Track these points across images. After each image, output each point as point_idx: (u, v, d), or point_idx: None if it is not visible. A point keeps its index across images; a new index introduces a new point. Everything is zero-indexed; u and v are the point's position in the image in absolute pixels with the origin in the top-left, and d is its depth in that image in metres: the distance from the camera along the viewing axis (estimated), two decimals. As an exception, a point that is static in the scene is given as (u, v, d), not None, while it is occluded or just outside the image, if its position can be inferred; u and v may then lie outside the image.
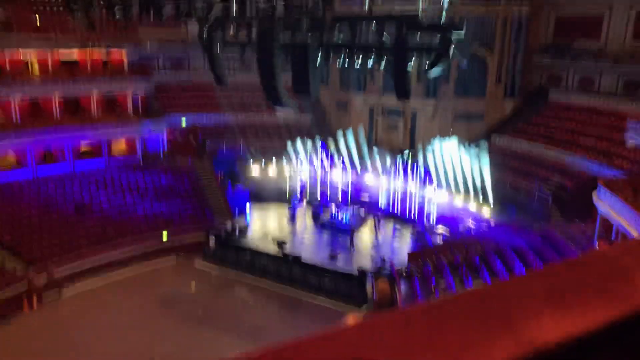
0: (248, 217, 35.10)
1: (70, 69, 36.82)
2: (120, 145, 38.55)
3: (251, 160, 39.59)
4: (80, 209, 31.96)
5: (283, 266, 28.08)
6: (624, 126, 27.42)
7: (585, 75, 37.48)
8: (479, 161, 32.50)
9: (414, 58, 20.23)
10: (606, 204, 23.49)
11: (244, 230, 33.17)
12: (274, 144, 40.29)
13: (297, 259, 28.34)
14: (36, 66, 35.92)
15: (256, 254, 29.56)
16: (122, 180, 35.34)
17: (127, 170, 36.27)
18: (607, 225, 23.76)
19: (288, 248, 30.02)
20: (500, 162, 34.49)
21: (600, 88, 36.33)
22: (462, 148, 33.66)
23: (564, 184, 31.85)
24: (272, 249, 30.02)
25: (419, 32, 20.95)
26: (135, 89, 38.51)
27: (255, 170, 39.31)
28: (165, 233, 31.04)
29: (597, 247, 21.75)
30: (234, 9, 19.56)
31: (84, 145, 36.80)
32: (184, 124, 41.22)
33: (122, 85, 37.91)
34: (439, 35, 18.23)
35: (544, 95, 39.18)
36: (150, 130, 37.85)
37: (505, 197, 32.57)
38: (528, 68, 39.40)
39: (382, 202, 35.54)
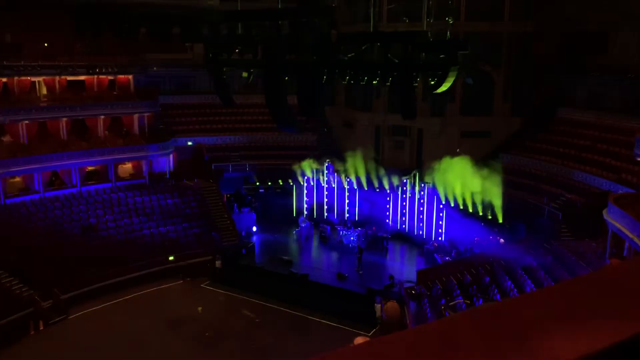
0: (255, 238, 34.96)
1: (77, 91, 37.29)
2: (126, 167, 38.73)
3: (257, 180, 39.60)
4: (87, 230, 31.98)
5: (291, 287, 27.83)
6: (632, 142, 27.18)
7: (593, 91, 37.38)
8: (487, 179, 32.29)
9: (419, 77, 20.27)
10: (617, 221, 23.18)
11: (251, 251, 33.00)
12: (280, 164, 40.32)
13: (304, 279, 28.09)
14: (44, 89, 36.39)
15: (263, 274, 29.35)
16: (128, 202, 35.40)
17: (133, 192, 36.35)
18: (619, 242, 23.43)
19: (296, 268, 29.79)
20: (509, 179, 34.24)
21: (609, 104, 36.18)
22: (469, 166, 33.48)
23: (573, 200, 31.55)
24: (279, 269, 29.79)
25: (424, 51, 21.04)
26: (142, 111, 38.83)
27: (262, 190, 39.28)
28: (171, 254, 30.93)
29: (609, 265, 21.42)
30: (240, 30, 19.69)
31: (90, 167, 37.01)
32: (190, 145, 41.43)
33: (128, 108, 38.26)
34: (444, 53, 18.24)
35: (551, 112, 39.06)
36: (156, 152, 38.02)
37: (514, 215, 32.26)
38: (535, 85, 39.36)
39: (390, 222, 35.29)
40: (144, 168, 38.10)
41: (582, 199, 31.32)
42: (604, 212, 24.58)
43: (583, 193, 31.76)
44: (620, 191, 27.47)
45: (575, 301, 1.54)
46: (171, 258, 30.78)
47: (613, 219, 23.60)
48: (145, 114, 39.21)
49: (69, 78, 37.05)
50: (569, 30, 38.94)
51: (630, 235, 21.75)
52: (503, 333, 1.35)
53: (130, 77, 39.27)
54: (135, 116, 38.73)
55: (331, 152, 41.16)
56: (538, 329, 1.38)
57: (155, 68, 41.95)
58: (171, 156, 39.58)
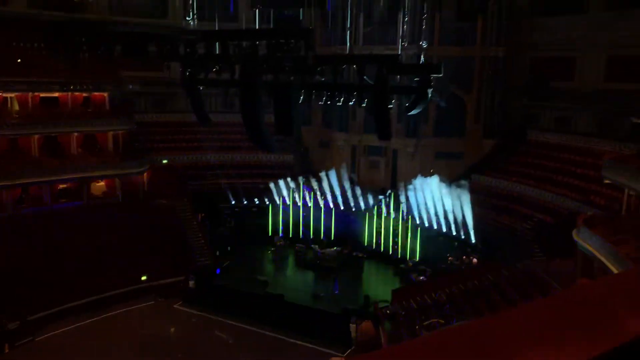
0: (229, 257, 34.62)
1: (50, 107, 36.75)
2: (100, 185, 38.12)
3: (233, 199, 39.39)
4: (59, 250, 31.24)
5: (266, 307, 27.59)
6: (600, 164, 27.98)
7: (561, 114, 38.47)
8: (460, 200, 32.78)
9: (394, 99, 20.62)
10: (586, 241, 23.71)
11: (225, 271, 32.66)
12: (256, 183, 40.23)
13: (280, 300, 27.89)
14: (16, 104, 35.77)
15: (238, 294, 29.05)
16: (100, 221, 34.75)
17: (106, 210, 35.73)
18: (588, 261, 23.93)
19: (271, 288, 29.58)
20: (481, 200, 34.81)
21: (576, 127, 37.26)
22: (443, 187, 33.97)
23: (544, 221, 32.18)
24: (254, 289, 29.53)
25: (399, 74, 21.45)
26: (117, 129, 38.40)
27: (237, 209, 39.07)
28: (144, 274, 30.41)
29: (578, 285, 21.83)
30: (217, 49, 19.79)
31: (62, 185, 36.31)
32: (165, 163, 41.06)
33: (103, 125, 37.79)
34: (418, 76, 18.62)
35: (522, 135, 39.97)
36: (131, 170, 37.54)
37: (487, 235, 32.74)
38: (506, 108, 40.32)
39: (365, 241, 35.41)
40: (118, 186, 37.55)
41: (552, 219, 31.97)
42: (574, 232, 25.14)
43: (553, 214, 32.43)
44: (589, 212, 28.15)
45: (546, 321, 1.63)
46: (144, 278, 30.26)
47: (582, 239, 24.13)
48: (120, 132, 38.78)
49: (42, 94, 36.52)
50: (537, 56, 40.19)
51: (599, 256, 22.26)
52: (476, 353, 1.42)
53: (106, 94, 38.91)
54: (110, 134, 38.28)
55: (307, 171, 41.26)
56: (510, 348, 1.46)
57: (131, 86, 41.66)
58: (146, 174, 39.14)
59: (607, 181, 26.92)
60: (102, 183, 38.15)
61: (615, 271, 19.89)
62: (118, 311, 28.22)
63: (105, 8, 41.38)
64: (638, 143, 29.48)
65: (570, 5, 39.03)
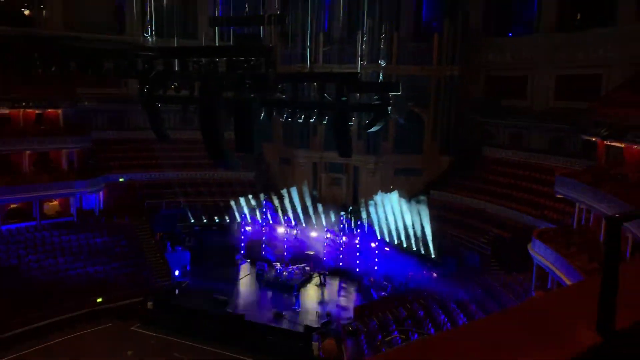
0: (188, 277, 33.96)
1: (1, 124, 35.44)
2: (53, 204, 36.89)
3: (192, 218, 38.77)
4: (8, 272, 29.94)
5: (226, 327, 27.12)
6: (552, 180, 28.96)
7: (515, 132, 39.70)
8: (420, 215, 33.25)
9: (354, 116, 20.88)
10: (541, 255, 24.41)
11: (184, 291, 31.98)
12: (216, 200, 39.75)
13: (240, 319, 27.48)
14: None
15: (197, 315, 28.47)
16: (54, 241, 33.60)
17: (59, 231, 34.57)
18: (543, 274, 24.61)
19: (231, 308, 29.12)
20: (440, 216, 35.40)
21: (529, 144, 38.51)
22: (402, 203, 34.40)
23: (501, 235, 32.95)
24: (214, 309, 29.01)
25: (358, 91, 21.73)
26: (71, 147, 37.33)
27: (197, 228, 38.44)
28: (100, 296, 29.46)
29: (534, 297, 22.39)
30: (176, 65, 19.60)
31: (13, 205, 34.96)
32: (122, 182, 40.13)
33: (57, 143, 36.64)
34: (377, 94, 18.93)
35: (477, 152, 41.02)
36: (85, 189, 36.50)
37: (446, 250, 33.26)
38: (462, 125, 41.32)
39: (326, 258, 35.40)
40: (72, 205, 36.41)
41: (508, 234, 32.78)
42: (529, 246, 25.84)
43: (509, 228, 33.26)
44: (543, 226, 29.02)
45: (502, 334, 1.66)
46: (99, 300, 29.33)
47: (537, 252, 24.83)
48: (75, 149, 37.72)
49: (-8, 110, 35.26)
50: (491, 75, 41.52)
51: (553, 268, 22.94)
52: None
53: (59, 111, 37.84)
54: (64, 151, 37.18)
55: (268, 188, 41.07)
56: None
57: (86, 102, 40.62)
58: (102, 193, 38.14)
59: (559, 196, 27.86)
60: (55, 202, 36.94)
61: (569, 283, 20.52)
62: (73, 335, 27.22)
63: (60, 23, 40.44)
64: (588, 159, 30.73)
65: (522, 26, 40.61)
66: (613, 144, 26.29)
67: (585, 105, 30.74)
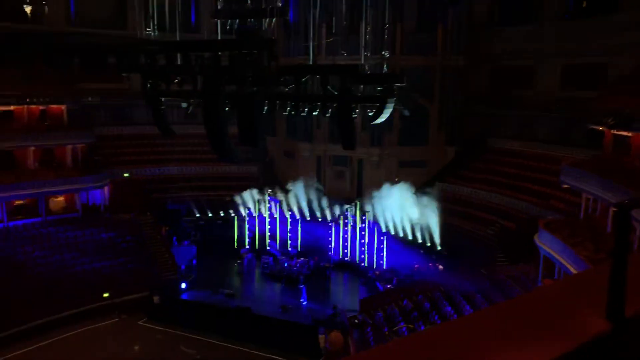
0: (195, 271, 34.04)
1: (5, 121, 35.56)
2: (58, 201, 37.01)
3: (198, 212, 38.84)
4: (15, 269, 30.11)
5: (233, 321, 27.18)
6: (558, 170, 28.80)
7: (521, 122, 39.49)
8: (425, 207, 33.16)
9: (358, 108, 20.76)
10: (547, 245, 24.30)
11: (191, 285, 32.07)
12: (221, 195, 39.79)
13: (247, 313, 27.53)
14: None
15: (204, 309, 28.54)
16: (59, 237, 33.72)
17: (65, 227, 34.69)
18: (550, 265, 24.51)
19: (238, 301, 29.19)
20: (446, 207, 35.30)
21: (535, 134, 38.30)
22: (408, 195, 34.31)
23: (507, 226, 32.84)
24: (221, 303, 29.09)
25: (362, 83, 21.62)
26: (75, 142, 37.42)
27: (202, 222, 38.53)
28: (106, 291, 29.58)
29: (541, 286, 22.35)
30: (179, 60, 19.54)
31: (19, 201, 35.09)
32: (127, 177, 40.22)
33: (61, 139, 36.75)
34: (381, 85, 18.82)
35: (483, 142, 40.84)
36: (90, 185, 36.59)
37: (451, 242, 33.18)
38: (467, 116, 41.14)
39: (332, 251, 35.39)
40: (78, 201, 36.53)
41: (515, 224, 32.66)
42: (535, 237, 25.73)
43: (516, 219, 33.15)
44: (549, 217, 28.89)
45: (509, 322, 1.60)
46: (106, 295, 29.43)
47: (543, 243, 24.73)
48: (79, 145, 37.82)
49: (-3, 106, 35.33)
50: (497, 65, 41.25)
51: (560, 259, 22.83)
52: (442, 354, 1.39)
53: (63, 107, 37.91)
54: (69, 147, 37.26)
55: (273, 182, 41.08)
56: (475, 349, 1.43)
57: (90, 98, 40.76)
58: (106, 188, 38.22)
59: (565, 186, 27.71)
60: (61, 198, 37.05)
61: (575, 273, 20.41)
62: (81, 330, 27.33)
63: (62, 19, 40.44)
64: (593, 148, 30.52)
65: (527, 15, 40.31)
66: (620, 133, 26.08)
67: (592, 94, 30.52)
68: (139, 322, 28.51)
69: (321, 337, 24.73)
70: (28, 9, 40.48)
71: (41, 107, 37.23)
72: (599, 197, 24.19)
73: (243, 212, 37.42)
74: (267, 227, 36.94)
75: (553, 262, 23.88)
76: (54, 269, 30.97)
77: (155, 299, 29.24)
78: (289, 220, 36.32)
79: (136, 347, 26.39)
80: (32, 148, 35.74)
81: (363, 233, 33.88)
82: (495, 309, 1.80)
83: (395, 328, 23.33)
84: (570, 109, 34.41)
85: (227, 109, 18.95)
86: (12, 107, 35.82)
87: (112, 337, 27.14)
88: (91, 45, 20.31)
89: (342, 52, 37.96)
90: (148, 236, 35.52)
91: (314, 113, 20.17)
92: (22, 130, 35.40)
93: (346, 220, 34.79)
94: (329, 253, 35.33)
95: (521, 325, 1.62)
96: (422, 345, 1.49)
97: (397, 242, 34.05)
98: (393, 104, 18.43)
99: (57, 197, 36.77)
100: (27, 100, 35.71)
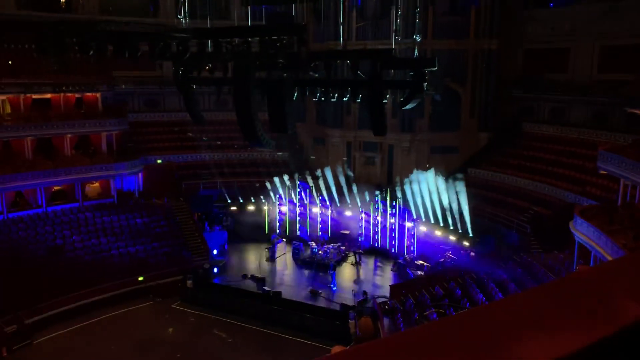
0: (226, 256, 34.55)
1: (42, 109, 36.55)
2: (94, 187, 37.96)
3: (229, 198, 39.27)
4: (54, 252, 31.12)
5: (263, 305, 27.54)
6: (595, 155, 28.00)
7: (556, 106, 38.48)
8: (457, 194, 32.77)
9: (388, 93, 20.54)
10: (583, 232, 23.73)
11: (223, 270, 32.59)
12: (252, 181, 40.12)
13: (277, 297, 27.85)
14: (8, 107, 35.54)
15: (235, 293, 28.99)
16: (96, 222, 34.64)
17: (101, 212, 35.60)
18: (585, 253, 23.97)
19: (268, 286, 29.53)
20: (478, 194, 34.82)
21: (571, 119, 37.29)
22: (439, 181, 33.95)
23: (541, 213, 32.20)
24: (251, 287, 29.48)
25: (393, 68, 21.36)
26: (110, 129, 38.24)
27: (233, 208, 38.97)
28: (141, 275, 30.30)
29: (577, 271, 21.91)
30: (209, 47, 19.65)
31: (56, 187, 36.14)
32: (160, 163, 40.90)
33: (96, 126, 37.61)
34: (412, 70, 18.54)
35: (517, 127, 39.99)
36: (125, 171, 37.39)
37: (484, 229, 32.74)
38: (500, 101, 40.30)
39: (362, 237, 35.39)
40: (112, 187, 37.40)
41: (549, 211, 31.99)
42: (570, 224, 25.16)
43: (550, 206, 32.46)
44: (585, 203, 28.18)
45: (544, 307, 1.56)
46: (141, 279, 30.16)
47: (579, 230, 24.16)
48: (114, 132, 38.64)
49: (35, 96, 36.33)
50: (531, 48, 40.17)
51: (596, 246, 22.29)
52: (473, 339, 1.36)
53: (98, 94, 38.73)
54: (103, 134, 38.11)
55: (303, 168, 41.18)
56: (508, 334, 1.40)
57: (123, 86, 41.48)
58: (140, 175, 38.99)
59: (602, 172, 26.94)
60: (96, 184, 38.00)
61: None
62: (116, 312, 28.12)
63: (96, 8, 41.11)
64: (633, 133, 29.53)
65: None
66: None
67: (631, 77, 29.46)
68: (173, 305, 29.15)
69: (351, 322, 24.86)
70: (62, -2, 41.29)
71: (77, 95, 38.11)
72: (638, 183, 23.45)
73: (274, 198, 37.68)
74: (297, 213, 37.13)
75: (589, 250, 23.33)
76: (91, 253, 31.88)
77: (189, 283, 29.82)
78: (319, 206, 36.42)
79: (170, 330, 27.02)
80: (69, 135, 36.66)
81: (393, 219, 33.74)
82: (528, 294, 1.76)
83: (425, 313, 23.25)
84: (607, 92, 33.32)
85: (257, 95, 19.01)
86: (49, 95, 36.77)
87: (147, 320, 27.85)
88: (124, 34, 20.55)
89: (373, 36, 37.54)
90: (181, 221, 36.16)
91: (344, 99, 20.04)
92: (59, 118, 36.32)
93: (376, 207, 34.68)
94: (359, 239, 35.34)
95: (555, 309, 1.58)
96: (451, 329, 1.46)
97: (428, 229, 33.79)
98: (424, 89, 18.15)
99: (92, 183, 37.71)
100: (64, 88, 36.61)
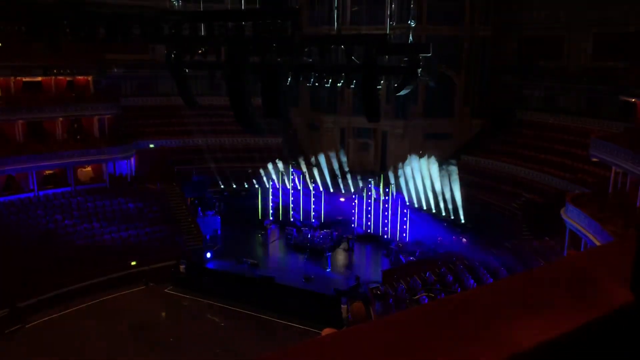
0: (219, 241, 34.58)
1: (33, 92, 36.14)
2: (86, 171, 37.75)
3: (222, 183, 39.21)
4: (46, 236, 31.01)
5: (256, 290, 27.66)
6: (587, 143, 28.14)
7: (549, 94, 38.53)
8: (450, 180, 32.88)
9: (382, 79, 20.46)
10: (574, 219, 23.93)
11: (216, 255, 32.64)
12: (245, 166, 40.04)
13: (270, 282, 27.96)
14: (-2, 90, 35.15)
15: (229, 278, 29.08)
16: (88, 206, 34.51)
17: (93, 196, 35.46)
18: (576, 240, 24.19)
19: (261, 271, 29.63)
20: (470, 180, 34.95)
21: (564, 106, 37.37)
22: (432, 168, 34.03)
23: (533, 200, 32.40)
24: (245, 272, 29.58)
25: (387, 53, 21.24)
26: (102, 113, 37.91)
27: (226, 193, 38.93)
28: (134, 259, 30.29)
29: (566, 255, 22.12)
30: (202, 30, 19.45)
31: (48, 171, 35.90)
32: (152, 148, 40.69)
33: (88, 110, 37.27)
34: (406, 56, 18.46)
35: (510, 115, 40.05)
36: (117, 155, 37.18)
37: (476, 215, 32.93)
38: (494, 88, 40.30)
39: (355, 223, 35.50)
40: (105, 171, 37.21)
41: (541, 198, 32.19)
42: (562, 211, 25.35)
43: (541, 193, 32.65)
44: (576, 191, 28.37)
45: (535, 290, 1.58)
46: (133, 263, 30.16)
47: (570, 217, 24.36)
48: (106, 116, 38.33)
49: (25, 79, 35.91)
50: (525, 35, 40.09)
51: (587, 233, 22.49)
52: (462, 321, 1.37)
53: (90, 78, 38.34)
54: (95, 118, 37.81)
55: (296, 154, 41.12)
56: (501, 316, 1.41)
57: (115, 69, 41.06)
58: (133, 159, 38.79)
59: (594, 159, 27.09)
60: (88, 168, 37.79)
61: (602, 248, 20.11)
62: (108, 297, 28.13)
63: (88, -10, 40.50)
64: (626, 121, 29.66)
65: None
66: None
67: (625, 64, 29.50)
68: (166, 290, 29.21)
69: (343, 307, 25.02)
70: (54, -21, 40.61)
71: (68, 78, 37.70)
72: (629, 171, 23.61)
73: (267, 183, 37.66)
74: (291, 198, 37.16)
75: (580, 237, 23.55)
76: (83, 237, 31.81)
77: (181, 267, 29.87)
78: (312, 191, 36.46)
79: (163, 314, 27.10)
80: (60, 119, 36.34)
81: (386, 205, 33.84)
82: (517, 277, 1.78)
83: (416, 297, 23.44)
84: (601, 80, 33.37)
85: (250, 80, 18.88)
86: (39, 78, 36.35)
87: (140, 304, 27.90)
88: (116, 15, 20.31)
89: (368, 21, 37.31)
90: (174, 206, 36.10)
91: (338, 84, 19.96)
92: (50, 101, 35.96)
93: (369, 193, 34.76)
94: (352, 225, 35.46)
95: (545, 293, 1.60)
96: (441, 311, 1.47)
97: (421, 215, 33.94)
98: (418, 75, 18.10)
99: (85, 168, 37.50)
100: (54, 71, 36.17)
